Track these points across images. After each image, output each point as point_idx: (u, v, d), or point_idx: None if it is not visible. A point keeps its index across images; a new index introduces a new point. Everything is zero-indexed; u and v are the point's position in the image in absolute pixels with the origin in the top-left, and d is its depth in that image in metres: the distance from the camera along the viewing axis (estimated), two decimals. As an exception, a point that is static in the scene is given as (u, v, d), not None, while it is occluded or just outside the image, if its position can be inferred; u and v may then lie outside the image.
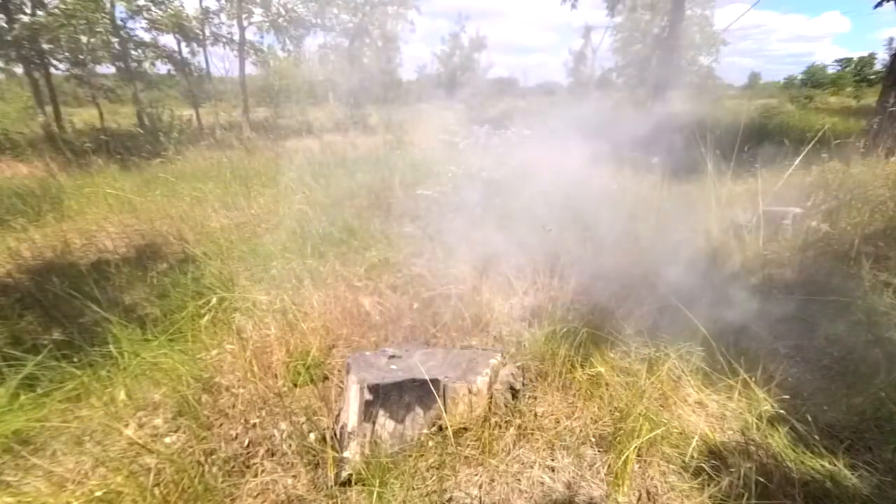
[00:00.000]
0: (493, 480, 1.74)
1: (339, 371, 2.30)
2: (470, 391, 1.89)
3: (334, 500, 1.69)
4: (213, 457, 1.86)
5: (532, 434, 1.92)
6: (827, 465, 1.73)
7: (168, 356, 2.32)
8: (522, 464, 1.81)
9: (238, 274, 3.42)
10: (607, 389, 2.09)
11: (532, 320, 2.63)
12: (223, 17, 14.30)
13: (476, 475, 1.76)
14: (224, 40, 14.40)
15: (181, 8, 12.89)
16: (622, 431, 1.83)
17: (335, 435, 1.89)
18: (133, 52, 12.65)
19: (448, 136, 6.53)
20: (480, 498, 1.69)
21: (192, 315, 2.69)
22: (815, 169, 4.83)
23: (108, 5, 11.48)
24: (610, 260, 3.18)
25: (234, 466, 1.84)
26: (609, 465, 1.78)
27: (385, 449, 1.78)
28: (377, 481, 1.66)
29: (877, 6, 7.67)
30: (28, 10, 10.23)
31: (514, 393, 2.06)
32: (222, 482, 1.75)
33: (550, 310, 2.51)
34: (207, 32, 14.05)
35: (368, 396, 1.77)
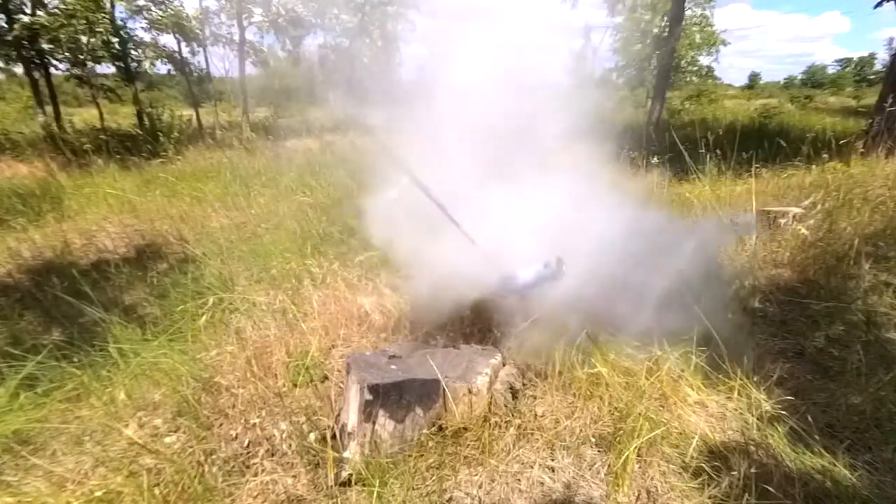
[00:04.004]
0: (493, 480, 1.74)
1: (339, 371, 2.30)
2: (470, 391, 1.89)
3: (334, 500, 1.69)
4: (213, 457, 1.86)
5: (532, 434, 1.92)
6: (827, 464, 1.73)
7: (168, 356, 2.32)
8: (522, 464, 1.81)
9: (238, 274, 3.42)
10: (607, 389, 2.09)
11: (532, 320, 2.63)
12: (223, 17, 14.28)
13: (476, 475, 1.76)
14: (224, 40, 14.37)
15: (181, 8, 12.88)
16: (622, 431, 1.83)
17: (335, 435, 1.89)
18: (133, 52, 12.62)
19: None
20: (480, 498, 1.69)
21: (191, 315, 2.69)
22: (814, 169, 4.83)
23: (108, 5, 11.45)
24: (608, 260, 3.18)
25: (234, 466, 1.84)
26: (609, 465, 1.78)
27: (385, 449, 1.78)
28: (377, 481, 1.66)
29: (877, 6, 7.68)
30: (28, 10, 10.22)
31: (514, 393, 2.06)
32: (222, 482, 1.75)
33: (550, 310, 2.51)
34: (207, 32, 14.02)
35: (368, 396, 1.77)
